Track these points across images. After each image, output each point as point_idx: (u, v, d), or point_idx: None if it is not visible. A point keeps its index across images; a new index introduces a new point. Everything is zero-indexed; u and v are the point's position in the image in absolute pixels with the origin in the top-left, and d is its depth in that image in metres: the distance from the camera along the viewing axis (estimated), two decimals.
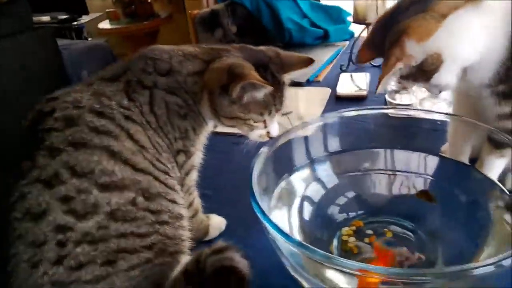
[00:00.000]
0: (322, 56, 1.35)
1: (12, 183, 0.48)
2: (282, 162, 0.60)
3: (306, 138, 0.63)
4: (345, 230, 0.57)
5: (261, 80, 0.54)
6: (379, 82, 0.58)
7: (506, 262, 0.37)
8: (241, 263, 0.47)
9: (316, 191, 0.61)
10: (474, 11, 0.53)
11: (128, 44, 3.48)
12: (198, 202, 0.65)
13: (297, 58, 0.61)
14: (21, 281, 0.45)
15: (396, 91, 1.05)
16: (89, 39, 3.67)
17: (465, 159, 0.66)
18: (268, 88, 0.55)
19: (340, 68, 1.26)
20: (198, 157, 0.63)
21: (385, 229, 0.57)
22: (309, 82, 1.21)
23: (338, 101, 1.07)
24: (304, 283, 0.47)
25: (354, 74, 1.20)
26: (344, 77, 1.18)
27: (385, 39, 0.59)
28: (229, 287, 0.47)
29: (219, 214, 0.68)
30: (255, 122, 0.59)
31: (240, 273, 0.47)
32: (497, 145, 0.59)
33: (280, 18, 1.49)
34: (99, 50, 2.84)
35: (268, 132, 0.61)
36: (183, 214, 0.57)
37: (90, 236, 0.46)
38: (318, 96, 1.10)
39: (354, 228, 0.57)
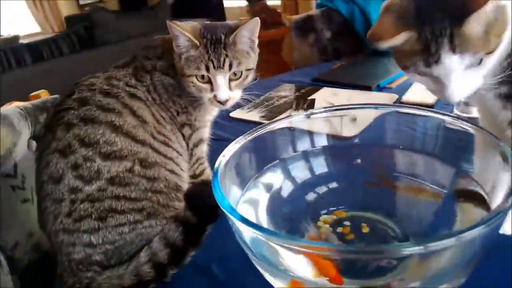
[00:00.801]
0: None
1: (40, 153, 0.60)
2: (266, 152, 0.60)
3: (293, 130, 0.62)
4: (324, 217, 0.57)
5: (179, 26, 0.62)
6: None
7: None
8: None
9: (302, 174, 0.61)
10: None
11: None
12: (209, 173, 0.72)
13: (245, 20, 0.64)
14: (49, 228, 0.59)
15: (466, 103, 0.96)
16: None
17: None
18: (178, 31, 0.61)
19: None
20: (206, 132, 0.70)
21: (363, 224, 0.55)
22: (379, 88, 1.18)
23: None
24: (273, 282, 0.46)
25: None
26: (418, 85, 1.11)
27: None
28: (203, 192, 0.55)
29: None
30: (198, 80, 0.63)
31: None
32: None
33: (371, 22, 1.47)
34: None
35: (215, 96, 0.64)
36: (182, 187, 0.64)
37: (91, 196, 0.56)
38: (381, 101, 1.07)
39: (334, 217, 0.57)
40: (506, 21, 0.48)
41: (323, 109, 0.66)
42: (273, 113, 1.10)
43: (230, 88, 0.65)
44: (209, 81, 0.64)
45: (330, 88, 1.23)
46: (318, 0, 1.78)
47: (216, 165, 0.49)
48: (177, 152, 0.66)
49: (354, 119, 1.02)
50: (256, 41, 0.68)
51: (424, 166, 0.62)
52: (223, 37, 0.63)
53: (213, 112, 0.71)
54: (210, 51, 0.62)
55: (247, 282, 0.55)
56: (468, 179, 0.54)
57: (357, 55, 1.55)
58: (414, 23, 0.49)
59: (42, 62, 2.29)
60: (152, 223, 0.59)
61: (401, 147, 0.63)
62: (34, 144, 0.81)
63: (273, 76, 1.48)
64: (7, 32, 4.23)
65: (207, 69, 0.63)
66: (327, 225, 0.56)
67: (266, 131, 0.58)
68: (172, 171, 0.63)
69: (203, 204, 0.57)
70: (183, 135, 0.68)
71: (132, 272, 0.56)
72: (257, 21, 0.64)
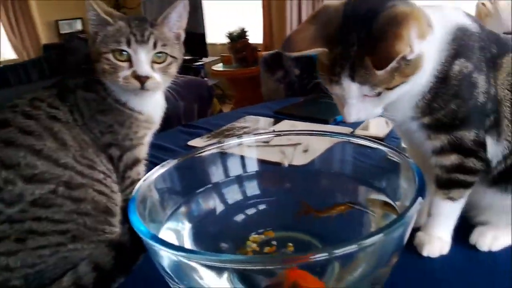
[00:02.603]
0: None
1: None
2: (195, 177, 0.60)
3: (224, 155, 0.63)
4: (253, 237, 0.58)
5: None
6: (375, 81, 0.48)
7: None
8: None
9: (234, 196, 0.62)
10: None
11: (234, 86, 3.78)
12: None
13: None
14: None
15: None
16: (205, 78, 4.10)
17: None
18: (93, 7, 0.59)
19: None
20: (141, 151, 0.67)
21: (289, 243, 0.56)
22: (336, 122, 1.22)
23: None
24: None
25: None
26: (377, 120, 1.16)
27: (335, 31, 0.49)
28: None
29: None
30: (115, 57, 0.60)
31: None
32: (439, 185, 0.56)
33: None
34: (198, 85, 3.19)
35: (134, 72, 0.60)
36: (113, 211, 0.61)
37: (11, 217, 0.54)
38: None
39: (263, 237, 0.58)
40: (418, 64, 0.49)
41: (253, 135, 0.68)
42: None
43: (152, 68, 0.62)
44: (128, 60, 0.60)
45: (290, 121, 1.27)
46: None
47: (134, 191, 0.49)
48: (104, 173, 0.63)
49: (306, 150, 1.05)
50: (183, 34, 0.67)
51: (343, 186, 0.64)
52: (149, 18, 0.63)
53: (148, 127, 0.67)
54: (132, 25, 0.60)
55: None
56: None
57: (323, 92, 1.61)
58: (330, 41, 0.49)
59: (7, 88, 2.21)
60: (78, 246, 0.57)
61: (332, 171, 0.65)
62: None
63: (238, 108, 1.52)
64: None
65: (128, 43, 0.60)
66: (255, 244, 0.57)
67: (194, 155, 0.60)
68: (101, 192, 0.60)
69: None
70: (111, 157, 0.64)
71: None
72: (185, 4, 0.63)
